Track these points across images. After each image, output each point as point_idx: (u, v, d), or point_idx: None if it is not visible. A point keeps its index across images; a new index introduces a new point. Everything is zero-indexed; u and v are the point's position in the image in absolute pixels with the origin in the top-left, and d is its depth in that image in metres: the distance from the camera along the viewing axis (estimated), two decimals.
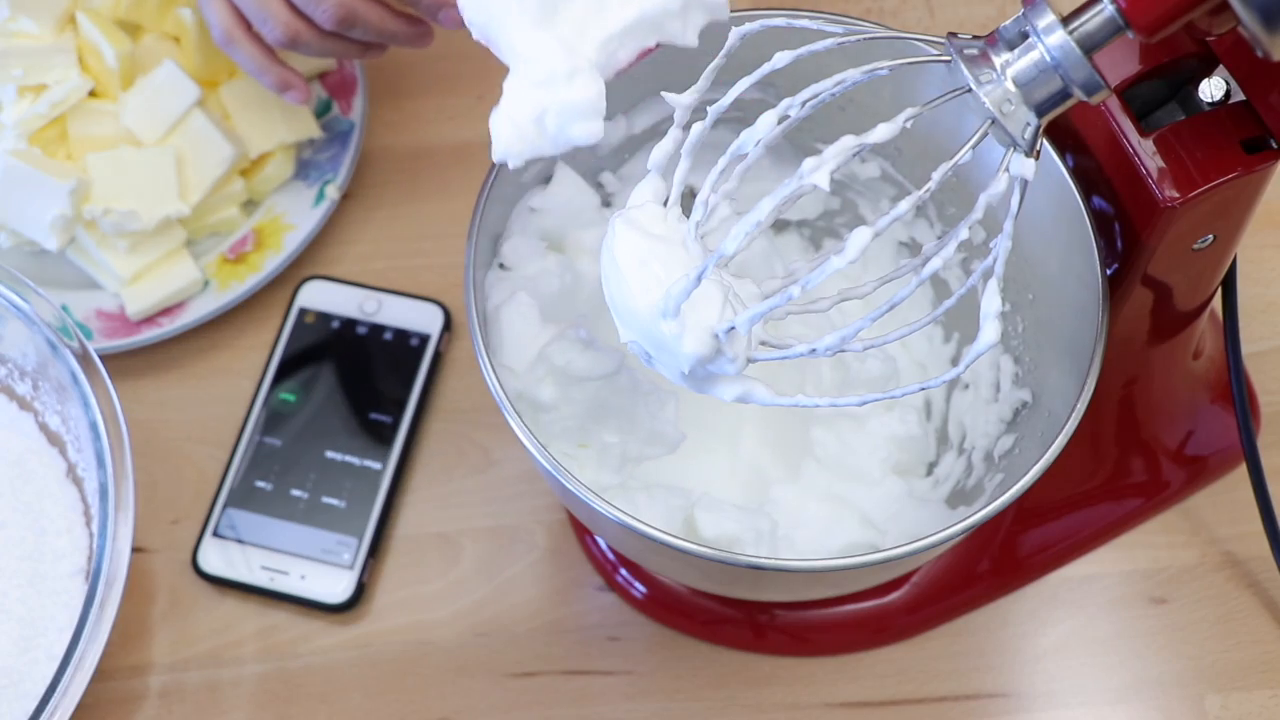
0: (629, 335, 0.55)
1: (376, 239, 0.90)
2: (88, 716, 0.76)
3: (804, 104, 0.52)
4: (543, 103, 0.56)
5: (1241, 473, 0.77)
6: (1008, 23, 0.51)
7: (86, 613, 0.66)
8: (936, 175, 0.50)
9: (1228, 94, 0.59)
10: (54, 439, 0.79)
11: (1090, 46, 0.50)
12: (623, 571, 0.79)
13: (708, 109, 0.55)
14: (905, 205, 0.50)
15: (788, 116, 0.53)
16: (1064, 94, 0.51)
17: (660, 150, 0.56)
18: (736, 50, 0.55)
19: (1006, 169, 0.52)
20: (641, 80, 0.69)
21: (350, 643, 0.79)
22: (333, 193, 0.88)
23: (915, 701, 0.77)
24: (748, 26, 0.54)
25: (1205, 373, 0.79)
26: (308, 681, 0.78)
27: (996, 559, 0.79)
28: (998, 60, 0.51)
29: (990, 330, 0.50)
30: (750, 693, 0.77)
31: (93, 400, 0.72)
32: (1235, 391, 0.71)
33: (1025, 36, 0.51)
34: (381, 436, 0.83)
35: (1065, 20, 0.50)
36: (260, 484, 0.81)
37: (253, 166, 0.88)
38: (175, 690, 0.78)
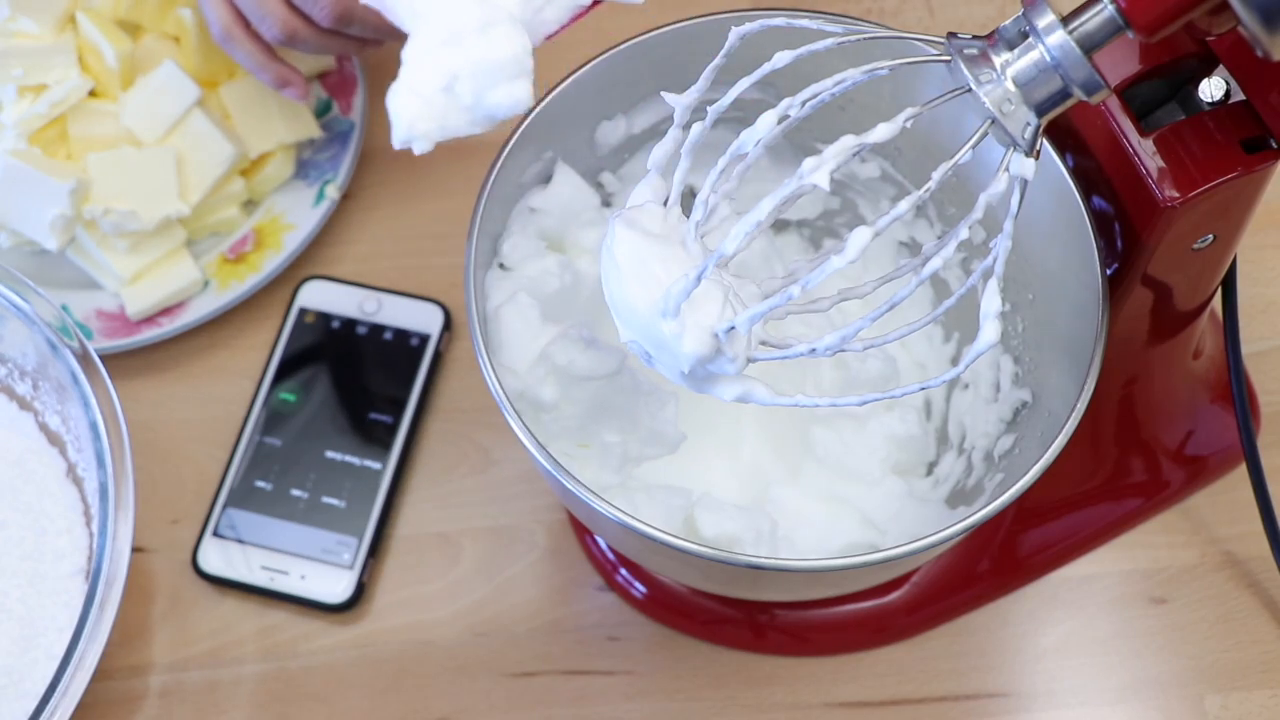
0: (629, 335, 0.55)
1: (376, 239, 0.90)
2: (88, 716, 0.76)
3: (804, 104, 0.52)
4: (452, 66, 0.49)
5: (1241, 472, 0.77)
6: (1007, 22, 0.51)
7: (86, 612, 0.66)
8: (936, 175, 0.50)
9: (1228, 94, 0.59)
10: (54, 439, 0.79)
11: (1090, 46, 0.50)
12: (623, 571, 0.79)
13: (708, 109, 0.55)
14: (905, 205, 0.50)
15: (788, 116, 0.53)
16: (1064, 94, 0.51)
17: (660, 150, 0.56)
18: (736, 50, 0.55)
19: (1006, 169, 0.52)
20: (641, 80, 0.69)
21: (350, 642, 0.79)
22: (333, 192, 0.88)
23: (915, 701, 0.77)
24: (747, 26, 0.54)
25: (1205, 372, 0.79)
26: (307, 681, 0.78)
27: (996, 559, 0.79)
28: (997, 60, 0.51)
29: (990, 330, 0.50)
30: (750, 693, 0.77)
31: (93, 400, 0.72)
32: (1235, 391, 0.71)
33: (1025, 36, 0.51)
34: (381, 436, 0.83)
35: (1065, 20, 0.50)
36: (260, 484, 0.81)
37: (253, 166, 0.88)
38: (175, 690, 0.78)
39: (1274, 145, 0.58)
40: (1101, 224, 0.63)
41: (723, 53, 0.55)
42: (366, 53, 0.81)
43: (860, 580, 0.70)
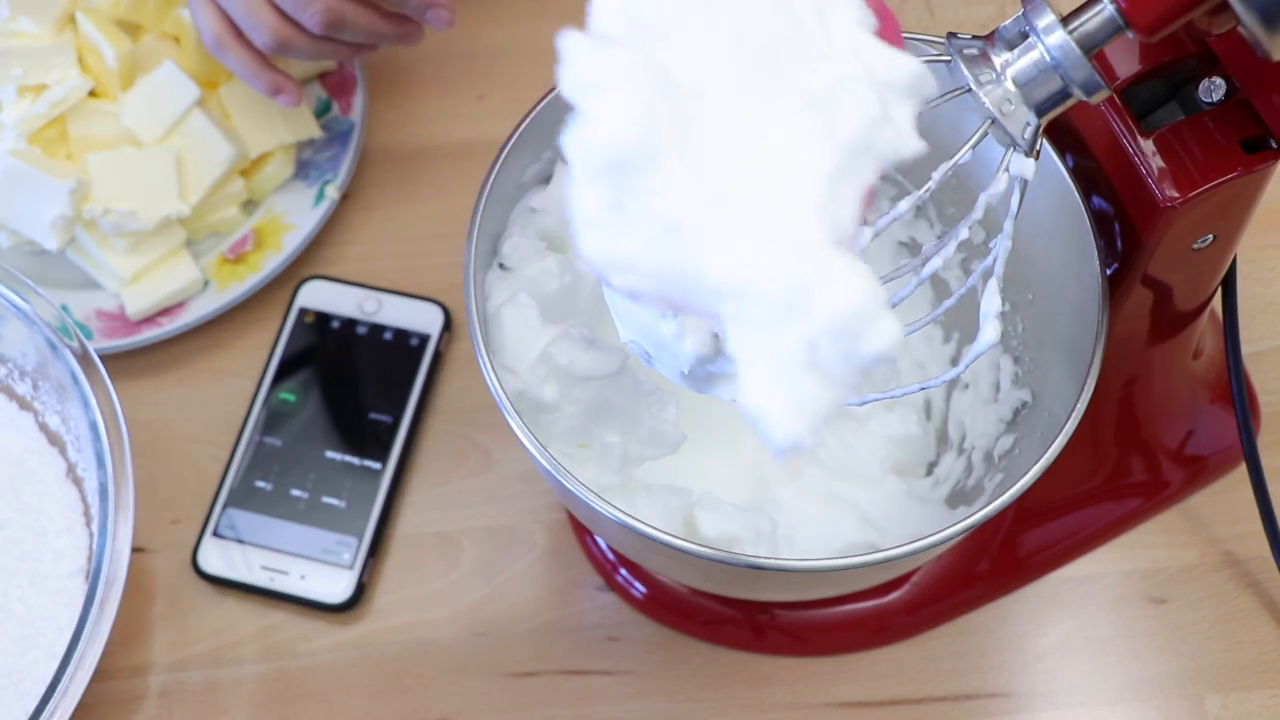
0: (629, 335, 0.55)
1: (376, 239, 0.90)
2: (88, 716, 0.76)
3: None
4: (804, 339, 0.39)
5: (1241, 472, 0.77)
6: (1007, 23, 0.51)
7: (86, 612, 0.66)
8: (936, 175, 0.50)
9: (1227, 94, 0.59)
10: (54, 439, 0.79)
11: (1090, 46, 0.50)
12: (622, 571, 0.79)
13: None
14: (905, 205, 0.50)
15: None
16: (1064, 94, 0.51)
17: None
18: None
19: (1006, 169, 0.52)
20: None
21: (350, 642, 0.79)
22: (333, 193, 0.88)
23: (915, 701, 0.77)
24: None
25: (1205, 372, 0.79)
26: (307, 681, 0.78)
27: (996, 559, 0.79)
28: (997, 60, 0.51)
29: (990, 330, 0.50)
30: (750, 693, 0.77)
31: (93, 400, 0.72)
32: (1235, 391, 0.71)
33: (1025, 36, 0.51)
34: (381, 436, 0.83)
35: (1065, 20, 0.50)
36: (260, 484, 0.81)
37: (253, 166, 0.88)
38: (175, 690, 0.78)
39: (1274, 145, 0.58)
40: (1101, 224, 0.63)
41: None
42: (361, 57, 0.81)
43: (860, 580, 0.70)
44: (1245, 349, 0.71)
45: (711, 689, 0.77)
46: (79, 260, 0.86)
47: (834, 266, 0.39)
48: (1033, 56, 0.50)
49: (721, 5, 0.41)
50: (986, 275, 0.52)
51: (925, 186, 0.50)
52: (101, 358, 0.74)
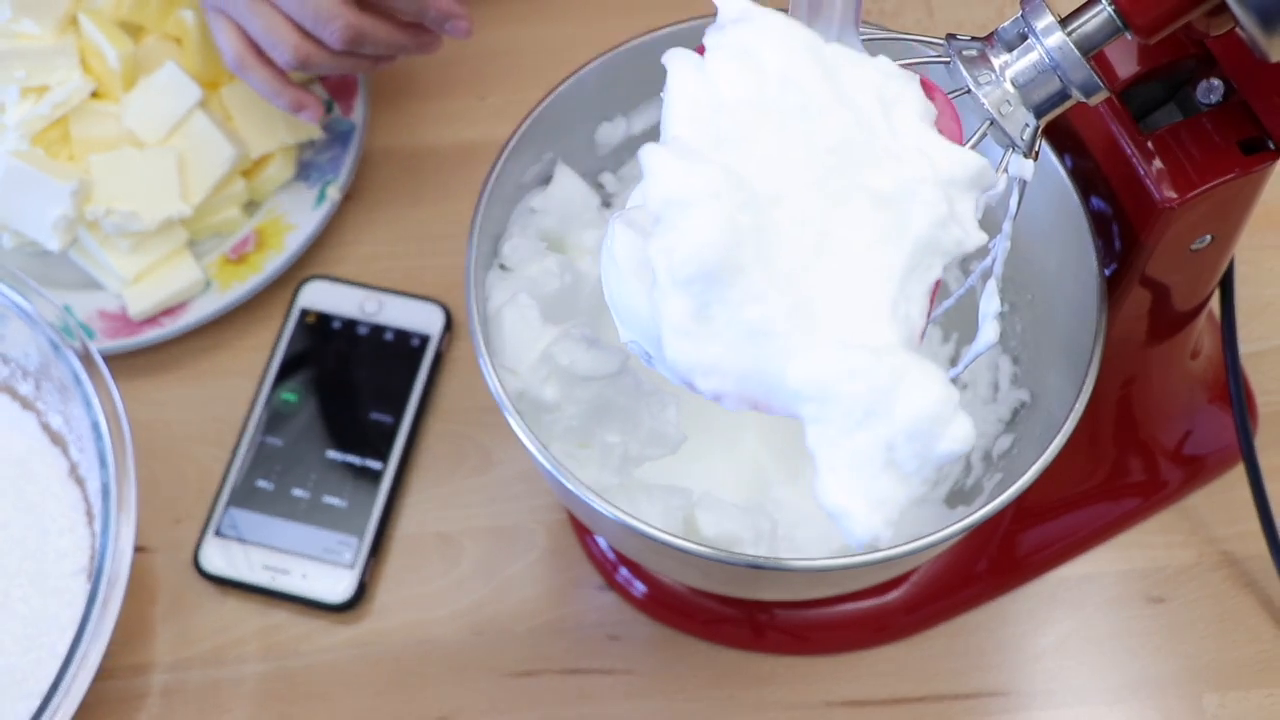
0: (629, 335, 0.55)
1: (377, 239, 0.91)
2: (90, 715, 0.76)
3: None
4: (883, 440, 0.41)
5: (1239, 472, 0.77)
6: (1006, 24, 0.52)
7: (89, 612, 0.67)
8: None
9: (1225, 95, 0.59)
10: (56, 439, 0.79)
11: (1088, 47, 0.50)
12: (623, 571, 0.79)
13: None
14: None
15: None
16: (1062, 95, 0.51)
17: None
18: None
19: (1005, 170, 0.52)
20: (642, 81, 0.69)
21: (351, 642, 0.79)
22: (334, 193, 0.89)
23: (915, 700, 0.77)
24: None
25: (1203, 373, 0.79)
26: (308, 681, 0.78)
27: (995, 558, 0.79)
28: (996, 61, 0.51)
29: (989, 331, 0.51)
30: (750, 692, 0.77)
31: (95, 400, 0.72)
32: (1233, 391, 0.71)
33: (1024, 38, 0.51)
34: (382, 436, 0.83)
35: (1064, 21, 0.50)
36: (262, 483, 0.82)
37: (254, 167, 0.88)
38: (177, 689, 0.78)
39: (1272, 146, 0.58)
40: (1100, 225, 0.63)
41: None
42: (380, 69, 0.81)
43: (860, 580, 0.70)
44: (1243, 349, 0.71)
45: (711, 688, 0.78)
46: (81, 261, 0.87)
47: (911, 370, 0.41)
48: (1031, 58, 0.51)
49: (791, 106, 0.43)
50: (985, 276, 0.52)
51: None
52: (104, 358, 0.74)
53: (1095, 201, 0.63)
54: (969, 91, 0.51)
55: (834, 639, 0.78)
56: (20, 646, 0.73)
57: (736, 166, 0.42)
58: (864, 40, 0.55)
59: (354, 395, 0.84)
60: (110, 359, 0.80)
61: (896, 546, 0.59)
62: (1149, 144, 0.59)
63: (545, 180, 0.73)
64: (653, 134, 0.74)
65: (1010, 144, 0.51)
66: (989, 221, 0.53)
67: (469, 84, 0.95)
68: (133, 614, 0.79)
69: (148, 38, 0.87)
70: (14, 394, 0.80)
